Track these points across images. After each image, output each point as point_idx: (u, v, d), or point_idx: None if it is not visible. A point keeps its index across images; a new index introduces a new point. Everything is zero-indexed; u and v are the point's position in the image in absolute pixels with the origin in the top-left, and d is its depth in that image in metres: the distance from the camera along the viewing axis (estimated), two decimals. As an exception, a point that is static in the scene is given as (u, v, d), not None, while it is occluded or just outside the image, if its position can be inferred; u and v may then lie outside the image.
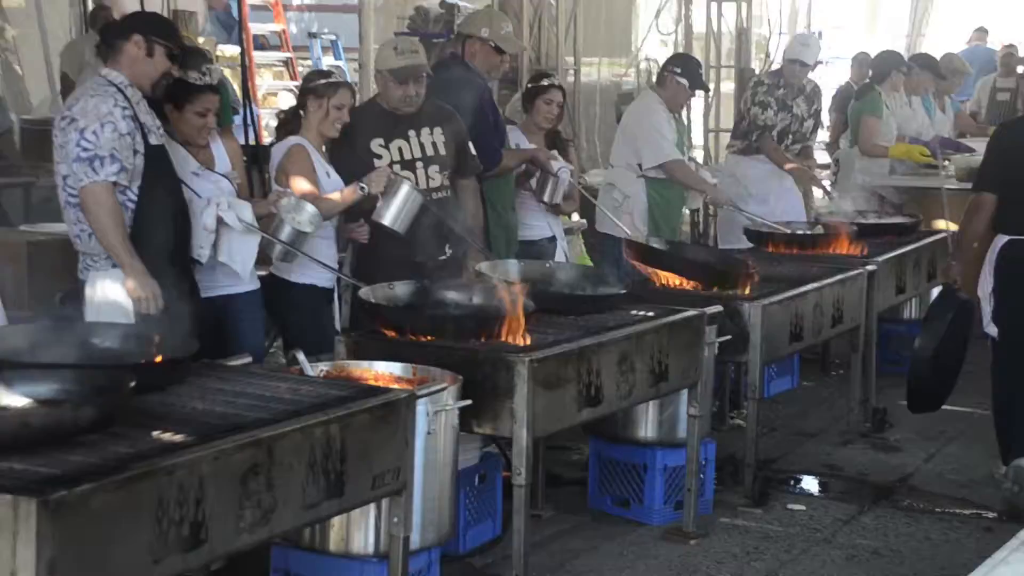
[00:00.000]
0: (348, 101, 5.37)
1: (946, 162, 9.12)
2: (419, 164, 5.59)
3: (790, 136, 8.10)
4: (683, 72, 7.21)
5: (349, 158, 5.45)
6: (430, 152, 5.65)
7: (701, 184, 7.44)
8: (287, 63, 13.00)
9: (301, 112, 5.39)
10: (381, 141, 5.54)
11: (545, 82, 6.71)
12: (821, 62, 8.74)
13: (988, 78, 12.69)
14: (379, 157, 5.51)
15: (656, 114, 7.13)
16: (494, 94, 9.15)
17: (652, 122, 7.07)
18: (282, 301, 5.29)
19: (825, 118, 11.69)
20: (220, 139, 5.16)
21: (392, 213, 5.26)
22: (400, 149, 5.58)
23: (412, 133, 5.63)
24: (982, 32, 15.09)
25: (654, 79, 8.62)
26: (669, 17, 11.94)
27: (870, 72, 9.18)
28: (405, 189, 5.26)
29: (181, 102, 4.92)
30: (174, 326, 3.94)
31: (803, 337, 5.81)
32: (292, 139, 5.33)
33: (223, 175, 5.03)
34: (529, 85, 6.89)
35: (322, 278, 5.30)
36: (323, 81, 5.42)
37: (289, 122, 5.45)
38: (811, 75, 8.31)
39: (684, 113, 8.48)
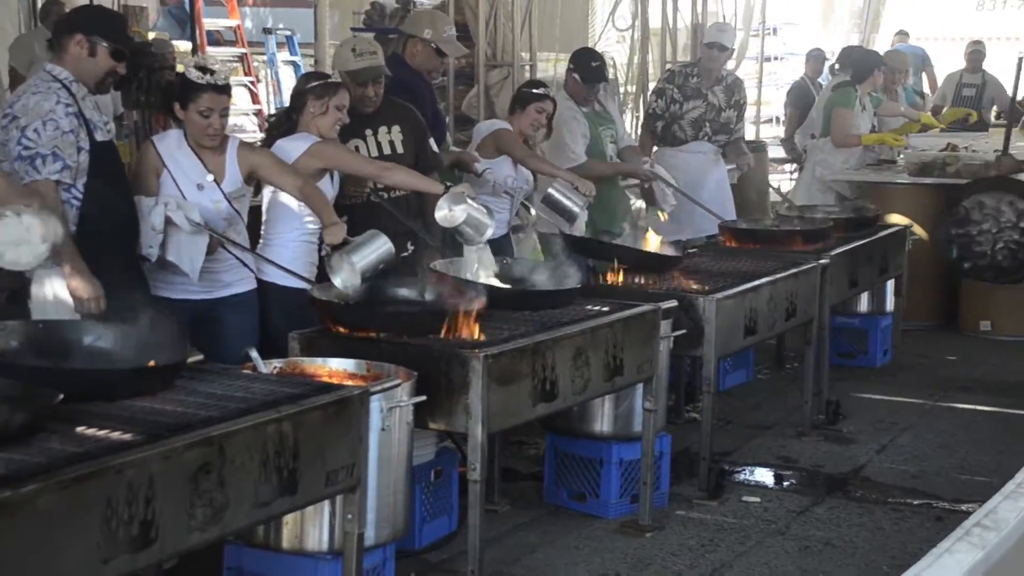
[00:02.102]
0: (347, 102, 5.25)
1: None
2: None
3: (707, 125, 8.09)
4: (575, 67, 7.21)
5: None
6: (387, 151, 5.63)
7: (622, 167, 7.44)
8: (242, 59, 12.91)
9: (293, 115, 5.25)
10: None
11: (542, 90, 6.60)
12: (766, 55, 8.83)
13: (953, 73, 12.85)
14: None
15: (562, 119, 7.00)
16: (450, 91, 9.18)
17: (560, 129, 6.95)
18: (264, 302, 5.10)
19: (779, 112, 11.82)
20: (240, 150, 4.92)
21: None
22: (357, 148, 5.57)
23: (369, 132, 5.61)
24: (903, 35, 15.67)
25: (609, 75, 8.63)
26: (626, 13, 11.96)
27: (850, 72, 9.31)
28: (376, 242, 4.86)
29: (184, 101, 4.74)
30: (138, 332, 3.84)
31: (757, 331, 5.83)
32: (306, 137, 5.16)
33: (225, 195, 4.82)
34: (523, 89, 6.81)
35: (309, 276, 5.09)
36: (323, 82, 5.26)
37: (281, 124, 5.32)
38: (768, 69, 8.37)
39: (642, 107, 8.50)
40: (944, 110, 10.76)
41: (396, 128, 5.67)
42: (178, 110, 4.79)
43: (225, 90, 4.80)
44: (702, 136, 8.08)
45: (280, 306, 4.99)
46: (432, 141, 5.85)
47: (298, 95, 5.28)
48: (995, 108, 12.54)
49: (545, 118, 6.48)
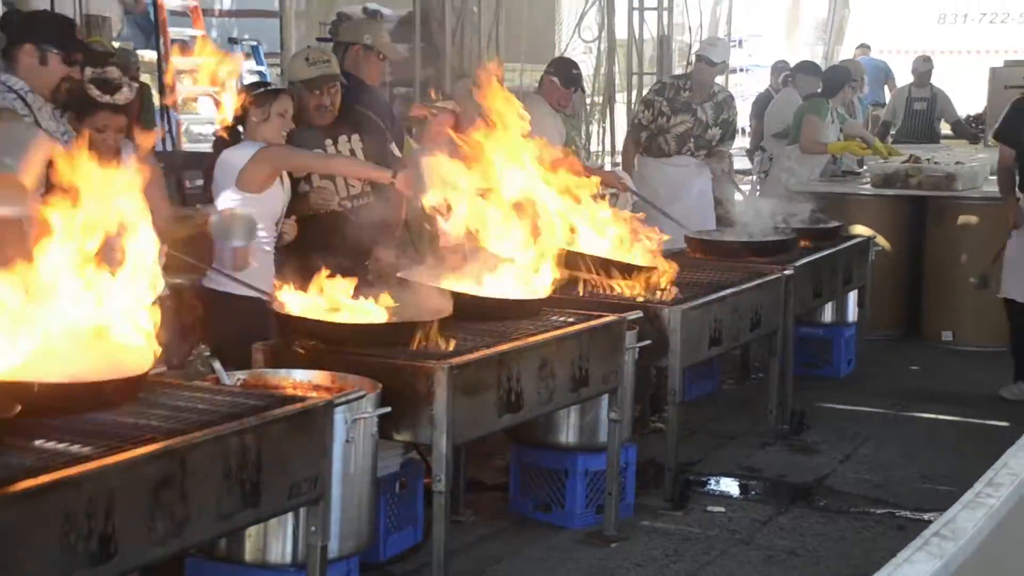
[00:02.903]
0: (290, 107, 5.24)
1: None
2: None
3: (692, 140, 8.14)
4: (555, 72, 7.52)
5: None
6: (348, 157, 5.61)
7: (599, 173, 7.53)
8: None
9: (238, 126, 5.21)
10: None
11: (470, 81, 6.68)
12: (731, 67, 8.93)
13: (903, 88, 12.92)
14: None
15: (537, 115, 7.09)
16: (416, 98, 9.17)
17: (535, 127, 7.00)
18: (219, 312, 5.06)
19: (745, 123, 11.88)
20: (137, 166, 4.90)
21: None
22: None
23: (329, 142, 5.61)
24: (865, 48, 15.91)
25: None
26: (592, 24, 11.99)
27: (820, 85, 9.54)
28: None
29: (80, 114, 4.64)
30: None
31: (722, 341, 5.84)
32: (250, 144, 5.14)
33: None
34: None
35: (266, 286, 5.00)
36: (262, 90, 5.27)
37: (226, 142, 5.24)
38: (733, 80, 8.46)
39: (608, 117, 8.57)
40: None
41: (356, 136, 5.68)
42: (71, 119, 4.69)
43: (123, 110, 4.69)
44: (685, 151, 8.14)
45: (236, 315, 4.93)
46: (393, 146, 5.85)
47: (240, 107, 5.20)
48: (943, 121, 12.66)
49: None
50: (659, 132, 8.11)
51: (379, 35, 6.28)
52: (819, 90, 9.64)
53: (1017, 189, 7.17)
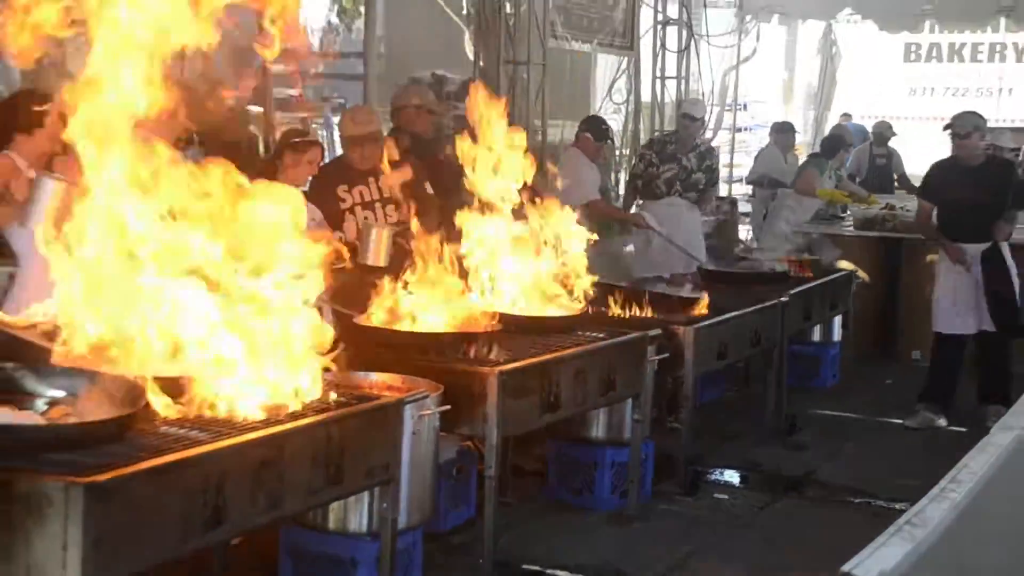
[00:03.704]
0: (319, 157, 5.36)
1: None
2: (377, 204, 5.63)
3: (678, 183, 8.16)
4: (588, 128, 7.69)
5: (321, 199, 5.44)
6: (386, 194, 5.64)
7: (621, 214, 7.71)
8: (302, 122, 12.94)
9: (276, 161, 5.27)
10: (345, 187, 5.58)
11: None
12: (738, 126, 9.01)
13: (863, 147, 12.89)
14: (343, 200, 5.54)
15: (575, 165, 7.20)
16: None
17: (573, 175, 6.98)
18: None
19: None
20: None
21: (372, 253, 5.17)
22: (360, 192, 5.61)
23: (372, 179, 5.64)
24: (847, 115, 16.06)
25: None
26: (622, 88, 11.98)
27: (793, 140, 9.75)
28: (375, 230, 5.17)
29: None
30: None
31: (728, 355, 5.83)
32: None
33: None
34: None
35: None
36: (301, 140, 5.33)
37: (263, 174, 5.32)
38: (739, 138, 8.52)
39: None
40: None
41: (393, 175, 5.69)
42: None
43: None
44: (673, 192, 8.17)
45: None
46: (428, 184, 5.83)
47: (280, 148, 5.33)
48: (895, 175, 12.62)
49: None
50: (651, 179, 8.17)
51: (424, 96, 6.36)
52: (818, 150, 9.78)
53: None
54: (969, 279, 6.75)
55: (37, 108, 4.11)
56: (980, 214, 6.70)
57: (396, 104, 6.56)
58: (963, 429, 6.60)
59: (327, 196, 5.51)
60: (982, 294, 6.72)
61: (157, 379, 3.06)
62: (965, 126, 6.71)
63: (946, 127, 6.88)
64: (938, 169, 7.03)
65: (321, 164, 5.48)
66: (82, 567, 2.57)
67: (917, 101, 18.49)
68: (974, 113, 6.93)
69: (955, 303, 6.82)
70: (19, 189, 4.04)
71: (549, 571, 4.56)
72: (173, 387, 3.10)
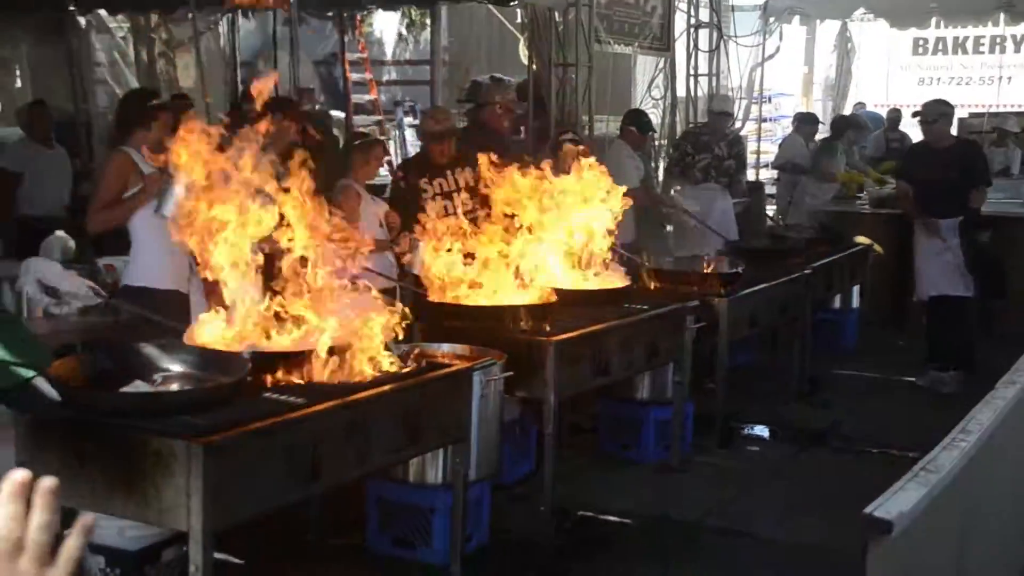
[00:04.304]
0: (382, 154, 5.42)
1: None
2: (454, 194, 5.63)
3: (713, 171, 8.09)
4: (632, 122, 7.55)
5: (405, 191, 5.50)
6: (462, 184, 5.65)
7: (663, 200, 7.68)
8: (379, 123, 13.02)
9: (348, 162, 5.30)
10: (427, 179, 5.59)
11: (570, 135, 6.65)
12: (763, 116, 8.94)
13: (878, 133, 12.70)
14: (425, 191, 5.55)
15: (620, 156, 7.13)
16: (531, 146, 9.18)
17: (618, 165, 6.91)
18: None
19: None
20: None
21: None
22: (440, 183, 5.62)
23: (449, 172, 5.66)
24: (862, 104, 15.71)
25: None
26: (660, 85, 11.89)
27: (817, 130, 9.64)
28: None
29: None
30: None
31: (759, 324, 5.78)
32: (342, 181, 5.21)
33: None
34: (559, 136, 6.85)
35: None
36: (366, 140, 5.42)
37: (336, 167, 5.32)
38: (765, 128, 8.45)
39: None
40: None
41: (468, 170, 5.69)
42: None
43: None
44: (709, 179, 8.09)
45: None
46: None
47: (347, 150, 5.43)
48: None
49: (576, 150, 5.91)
50: (687, 167, 8.12)
51: (507, 95, 6.33)
52: (828, 135, 9.62)
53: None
54: (944, 248, 6.65)
55: (152, 104, 4.18)
56: (951, 191, 6.59)
57: (481, 101, 6.52)
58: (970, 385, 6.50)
59: (409, 185, 5.56)
60: (961, 263, 6.62)
61: (260, 353, 3.11)
62: (932, 113, 6.66)
63: (914, 114, 6.83)
64: (911, 153, 7.01)
65: (387, 159, 5.57)
66: (203, 512, 2.65)
67: (925, 90, 18.13)
68: (941, 101, 6.89)
69: (939, 270, 6.72)
70: (150, 183, 4.05)
71: (601, 516, 4.58)
72: (276, 360, 3.15)
